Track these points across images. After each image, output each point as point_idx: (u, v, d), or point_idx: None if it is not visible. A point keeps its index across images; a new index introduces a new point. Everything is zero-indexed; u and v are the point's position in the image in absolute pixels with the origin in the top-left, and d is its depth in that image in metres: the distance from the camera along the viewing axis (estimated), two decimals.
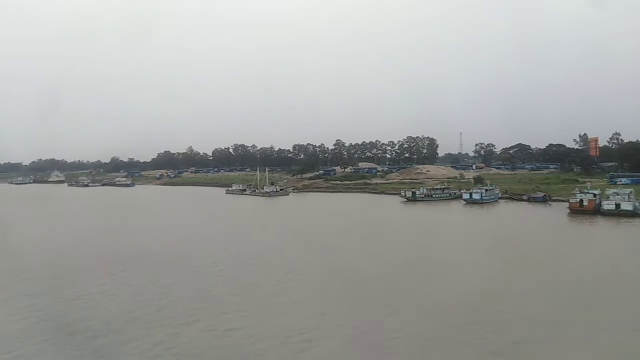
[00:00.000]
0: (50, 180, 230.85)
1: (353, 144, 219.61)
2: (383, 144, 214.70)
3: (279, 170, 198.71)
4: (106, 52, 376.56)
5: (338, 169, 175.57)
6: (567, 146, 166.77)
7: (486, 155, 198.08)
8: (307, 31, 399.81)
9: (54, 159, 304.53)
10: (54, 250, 52.78)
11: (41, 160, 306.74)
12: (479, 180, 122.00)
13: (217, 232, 65.37)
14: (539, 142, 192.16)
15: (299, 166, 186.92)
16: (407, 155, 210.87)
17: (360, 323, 28.38)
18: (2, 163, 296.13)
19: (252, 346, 25.54)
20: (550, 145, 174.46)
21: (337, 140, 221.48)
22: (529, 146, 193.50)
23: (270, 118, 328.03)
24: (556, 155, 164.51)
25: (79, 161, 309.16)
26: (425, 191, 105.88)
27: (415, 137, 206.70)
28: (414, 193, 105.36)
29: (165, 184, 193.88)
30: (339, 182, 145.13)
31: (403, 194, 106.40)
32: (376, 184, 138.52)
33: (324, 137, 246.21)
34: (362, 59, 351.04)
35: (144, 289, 36.39)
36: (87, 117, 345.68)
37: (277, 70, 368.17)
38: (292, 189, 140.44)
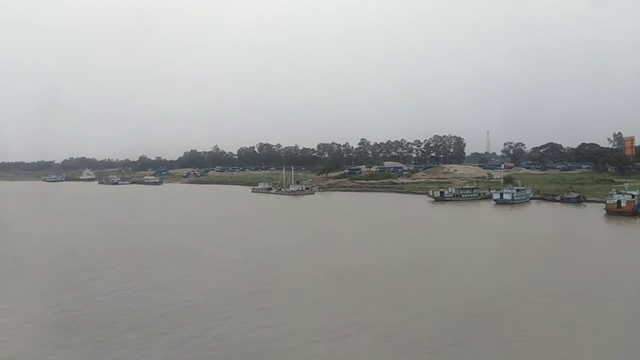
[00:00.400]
0: (81, 178, 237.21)
1: (378, 142, 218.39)
2: (408, 143, 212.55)
3: (303, 169, 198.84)
4: (130, 52, 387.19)
5: (363, 167, 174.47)
6: (600, 145, 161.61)
7: (515, 155, 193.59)
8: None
9: (84, 157, 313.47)
10: (87, 245, 53.80)
11: (72, 158, 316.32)
12: (508, 180, 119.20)
13: (245, 229, 65.46)
14: (569, 142, 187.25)
15: (323, 165, 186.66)
16: (433, 154, 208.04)
17: (390, 321, 27.75)
18: (36, 161, 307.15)
19: (285, 343, 25.22)
20: (583, 144, 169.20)
21: (361, 139, 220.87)
22: (560, 145, 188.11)
23: (294, 116, 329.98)
24: (588, 154, 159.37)
25: (108, 159, 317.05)
26: (453, 190, 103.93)
27: (441, 135, 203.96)
28: (442, 192, 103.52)
29: (191, 182, 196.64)
30: (365, 181, 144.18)
31: (431, 194, 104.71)
32: (402, 183, 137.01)
33: (348, 136, 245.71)
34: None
35: (175, 284, 36.56)
36: (115, 116, 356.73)
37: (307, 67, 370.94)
38: (317, 187, 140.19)
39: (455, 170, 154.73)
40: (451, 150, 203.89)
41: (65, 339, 26.24)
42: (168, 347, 24.82)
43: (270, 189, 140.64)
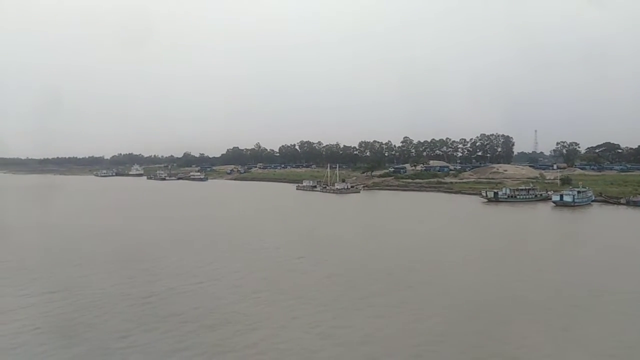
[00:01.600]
0: (130, 173, 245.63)
1: (421, 140, 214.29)
2: (454, 141, 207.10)
3: (344, 167, 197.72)
4: (172, 57, 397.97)
5: (408, 166, 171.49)
6: None
7: (568, 155, 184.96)
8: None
9: (131, 154, 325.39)
10: (152, 236, 54.96)
11: (120, 154, 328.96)
12: (566, 181, 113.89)
13: (303, 229, 65.04)
14: (628, 142, 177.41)
15: (364, 163, 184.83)
16: (479, 153, 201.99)
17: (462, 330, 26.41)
18: (87, 157, 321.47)
19: (361, 346, 24.38)
20: None
21: (404, 137, 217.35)
22: (617, 145, 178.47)
23: (336, 115, 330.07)
24: None
25: (154, 155, 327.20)
26: (508, 191, 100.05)
27: (488, 134, 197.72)
28: (495, 193, 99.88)
29: (235, 179, 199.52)
30: (410, 180, 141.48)
31: (484, 194, 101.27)
32: (450, 182, 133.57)
33: (389, 134, 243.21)
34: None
35: (245, 280, 36.44)
36: (159, 115, 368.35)
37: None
38: (362, 186, 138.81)
39: (505, 170, 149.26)
40: (499, 149, 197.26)
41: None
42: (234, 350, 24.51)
43: (315, 186, 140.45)
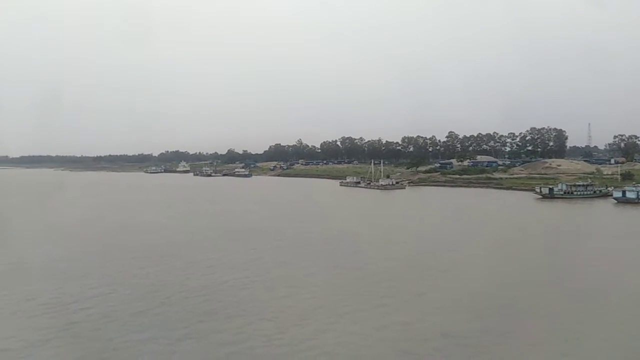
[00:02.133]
0: (178, 169, 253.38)
1: (467, 135, 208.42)
2: (502, 136, 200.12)
3: (387, 162, 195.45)
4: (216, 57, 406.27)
5: (454, 161, 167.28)
6: None
7: (626, 148, 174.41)
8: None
9: (177, 151, 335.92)
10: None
11: (168, 151, 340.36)
12: (627, 176, 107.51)
13: (362, 224, 64.52)
14: None
15: (407, 159, 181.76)
16: (529, 148, 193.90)
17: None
18: (137, 154, 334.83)
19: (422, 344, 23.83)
20: None
21: (449, 132, 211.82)
22: None
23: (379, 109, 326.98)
24: None
25: (199, 152, 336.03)
26: (564, 187, 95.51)
27: (539, 128, 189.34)
28: (551, 189, 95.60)
29: (279, 175, 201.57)
30: (458, 176, 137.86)
31: (538, 190, 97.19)
32: (500, 178, 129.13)
33: (433, 129, 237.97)
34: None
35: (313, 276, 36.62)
36: (203, 112, 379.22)
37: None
38: (407, 182, 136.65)
39: (559, 165, 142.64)
40: (550, 143, 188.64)
41: None
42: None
43: (359, 182, 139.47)
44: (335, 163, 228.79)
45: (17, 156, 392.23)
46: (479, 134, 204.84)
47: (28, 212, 77.29)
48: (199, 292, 32.62)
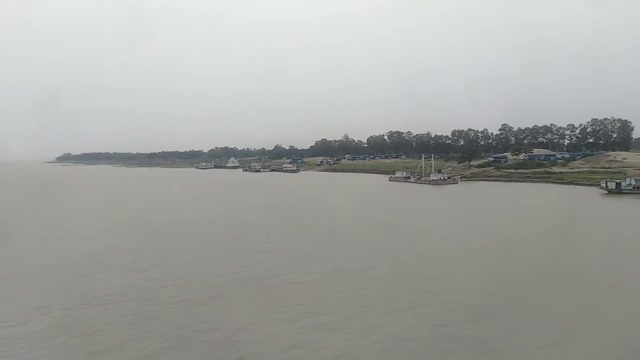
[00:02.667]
0: (227, 165, 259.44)
1: (522, 127, 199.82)
2: (560, 128, 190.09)
3: (436, 157, 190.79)
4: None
5: (509, 155, 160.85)
6: None
7: None
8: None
9: (227, 147, 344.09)
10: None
11: (217, 147, 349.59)
12: None
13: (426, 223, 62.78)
14: None
15: (457, 152, 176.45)
16: (590, 140, 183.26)
17: None
18: (188, 150, 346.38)
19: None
20: None
21: (502, 125, 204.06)
22: None
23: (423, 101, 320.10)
24: None
25: (247, 148, 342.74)
26: (633, 182, 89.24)
27: (601, 119, 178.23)
28: (618, 184, 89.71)
29: (325, 170, 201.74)
30: (513, 170, 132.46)
31: (603, 185, 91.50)
32: (560, 172, 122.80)
33: (484, 122, 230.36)
34: None
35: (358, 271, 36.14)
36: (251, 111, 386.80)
37: None
38: (459, 176, 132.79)
39: (625, 159, 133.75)
40: (614, 135, 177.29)
41: None
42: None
43: (408, 177, 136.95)
44: (382, 158, 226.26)
45: (79, 153, 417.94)
46: (535, 125, 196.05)
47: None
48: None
